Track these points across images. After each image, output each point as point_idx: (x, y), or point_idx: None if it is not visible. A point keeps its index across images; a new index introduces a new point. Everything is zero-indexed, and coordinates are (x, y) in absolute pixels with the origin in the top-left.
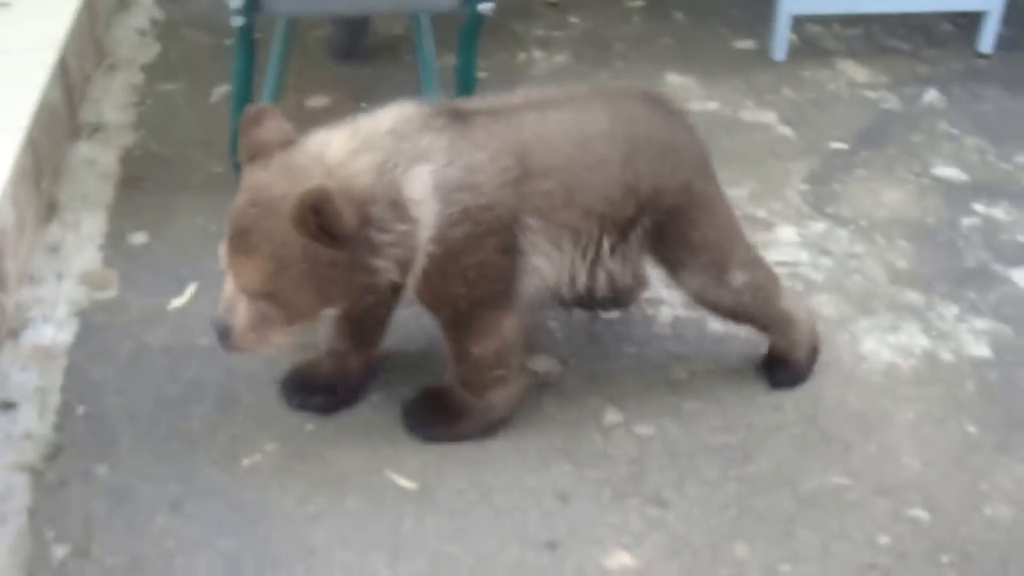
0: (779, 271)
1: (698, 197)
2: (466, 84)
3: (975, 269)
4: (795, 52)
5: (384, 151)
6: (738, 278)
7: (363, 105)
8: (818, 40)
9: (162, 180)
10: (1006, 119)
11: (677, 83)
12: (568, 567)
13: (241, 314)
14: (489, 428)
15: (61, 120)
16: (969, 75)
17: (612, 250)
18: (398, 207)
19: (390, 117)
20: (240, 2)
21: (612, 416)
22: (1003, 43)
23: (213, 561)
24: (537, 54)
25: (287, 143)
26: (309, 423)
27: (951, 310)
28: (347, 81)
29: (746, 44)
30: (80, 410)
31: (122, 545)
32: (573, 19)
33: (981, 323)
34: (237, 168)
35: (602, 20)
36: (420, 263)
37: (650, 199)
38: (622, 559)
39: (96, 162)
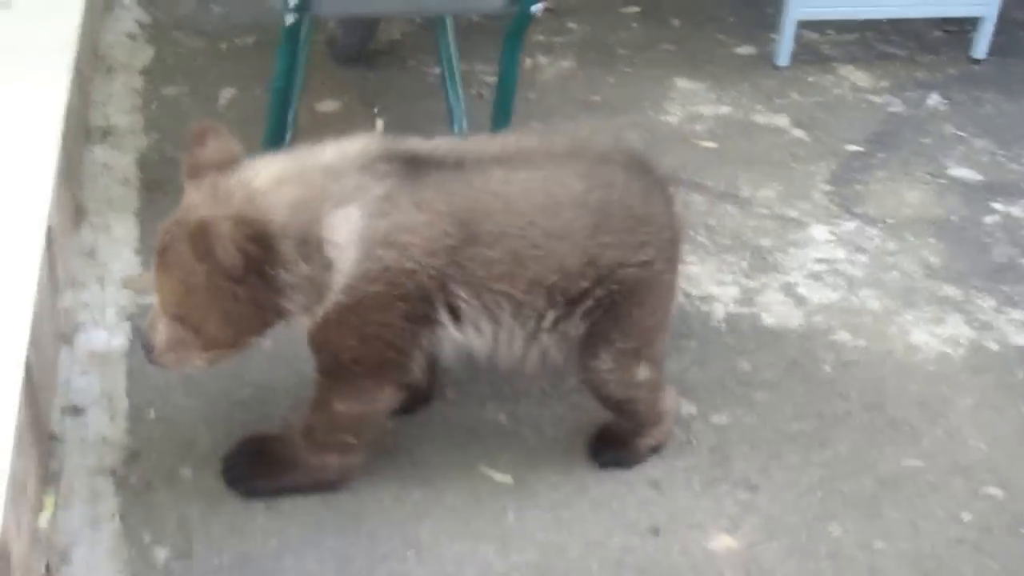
0: (819, 268)
1: (656, 278)
2: (507, 89)
3: (1005, 264)
4: (796, 58)
5: (311, 188)
6: (643, 373)
7: (375, 110)
8: (816, 46)
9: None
10: (1008, 122)
11: (687, 88)
12: (674, 551)
13: (160, 333)
14: (316, 487)
15: (76, 123)
16: (966, 80)
17: (554, 324)
18: (308, 247)
19: (333, 152)
20: (296, 1)
21: (687, 408)
22: (994, 49)
23: (323, 558)
24: (542, 60)
25: (229, 163)
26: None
27: (988, 302)
28: (355, 85)
29: (747, 50)
30: (151, 414)
31: (226, 545)
32: (571, 24)
33: (1019, 314)
34: None
35: (601, 26)
36: (324, 307)
37: (609, 273)
38: (724, 541)
39: (113, 166)
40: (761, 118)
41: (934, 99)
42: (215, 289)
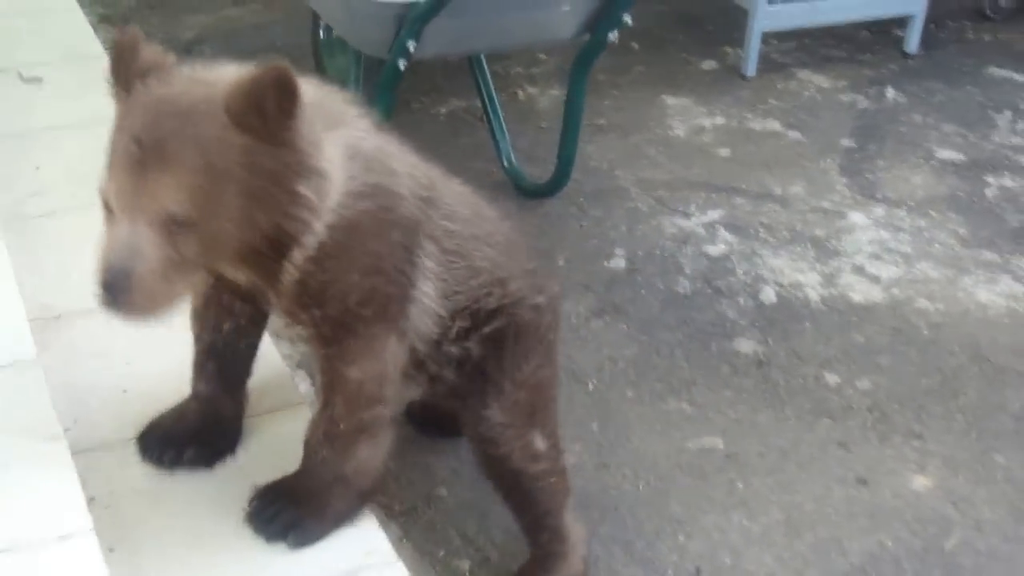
0: (874, 249)
1: (546, 330)
2: (574, 117)
3: (1021, 228)
4: (758, 67)
5: (310, 95)
6: (539, 442)
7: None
8: (768, 55)
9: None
10: (962, 107)
11: (677, 104)
12: (886, 495)
13: (148, 257)
14: (363, 496)
15: None
16: (908, 73)
17: (458, 337)
18: (318, 144)
19: (311, 82)
20: (412, 46)
21: (832, 377)
22: (921, 44)
23: (606, 544)
24: (531, 90)
25: (175, 65)
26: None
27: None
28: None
29: (710, 64)
30: None
31: (517, 549)
32: (542, 56)
33: None
34: None
35: (569, 55)
36: (319, 234)
37: (511, 304)
38: (921, 482)
39: None
40: (755, 124)
41: (891, 93)
42: (249, 167)
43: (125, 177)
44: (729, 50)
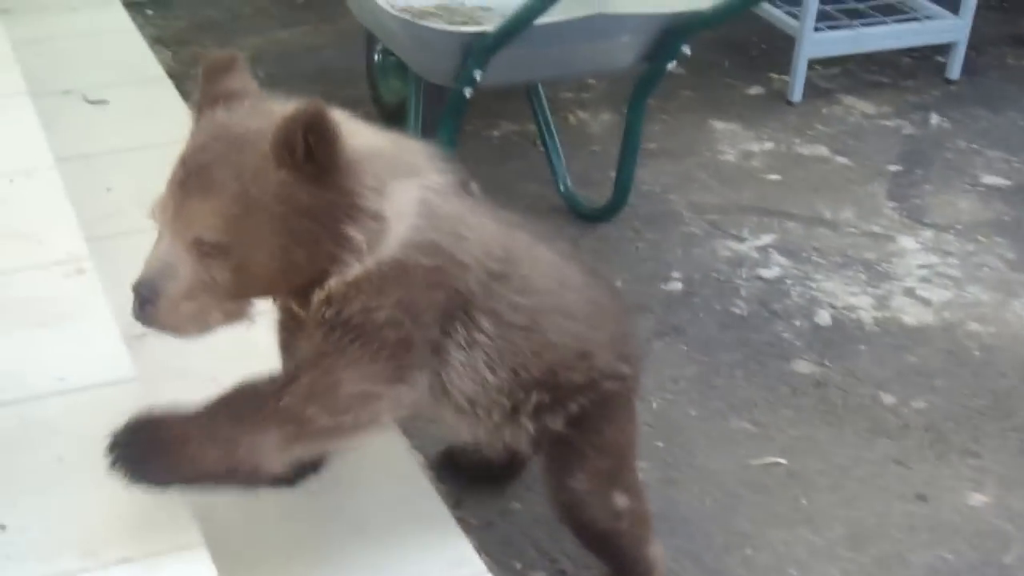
0: (924, 273)
1: (629, 396)
2: (633, 139)
3: None
4: (803, 93)
5: (384, 142)
6: (621, 500)
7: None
8: (813, 81)
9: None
10: (1006, 133)
11: (725, 129)
12: (946, 510)
13: (180, 278)
14: (225, 477)
15: None
16: (951, 99)
17: (536, 411)
18: (382, 190)
19: (391, 133)
20: (478, 76)
21: (888, 398)
22: (963, 70)
23: (676, 556)
24: (582, 115)
25: (257, 94)
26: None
27: None
28: None
29: (756, 90)
30: None
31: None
32: (591, 81)
33: None
34: None
35: (616, 80)
36: (371, 261)
37: (598, 377)
38: (978, 498)
39: None
40: (804, 150)
41: (935, 119)
42: (286, 203)
43: (169, 197)
44: (774, 76)
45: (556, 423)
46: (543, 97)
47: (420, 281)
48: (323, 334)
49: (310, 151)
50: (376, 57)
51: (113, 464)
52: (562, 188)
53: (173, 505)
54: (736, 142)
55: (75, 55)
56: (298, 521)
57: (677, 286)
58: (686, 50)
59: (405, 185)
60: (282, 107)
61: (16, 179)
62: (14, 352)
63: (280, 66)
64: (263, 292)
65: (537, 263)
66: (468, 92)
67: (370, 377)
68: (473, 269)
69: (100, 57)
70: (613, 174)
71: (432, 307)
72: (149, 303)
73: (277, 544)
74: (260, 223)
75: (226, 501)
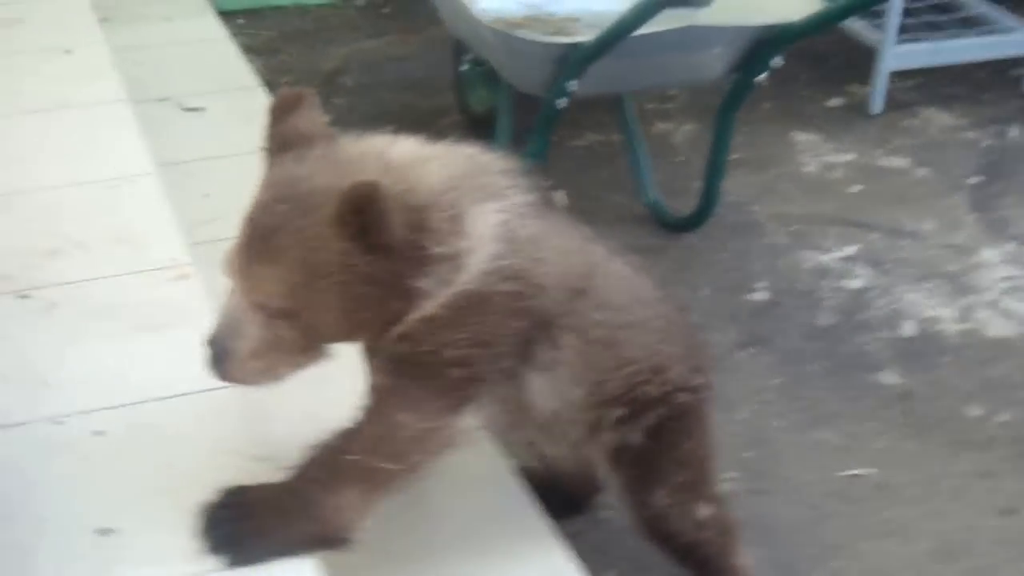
0: (1008, 285)
1: (704, 407)
2: (721, 150)
3: None
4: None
5: (459, 168)
6: (703, 511)
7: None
8: (891, 93)
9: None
10: None
11: (806, 140)
12: None
13: (248, 337)
14: (320, 541)
15: None
16: None
17: (617, 424)
18: (458, 222)
19: (467, 149)
20: (573, 86)
21: (973, 410)
22: None
23: (768, 569)
24: (663, 126)
25: (327, 137)
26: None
27: None
28: None
29: (836, 102)
30: None
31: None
32: (673, 91)
33: None
34: None
35: (697, 92)
36: (445, 296)
37: (672, 391)
38: None
39: None
40: (884, 162)
41: (1015, 131)
42: (349, 271)
43: (236, 257)
44: (854, 88)
45: (635, 437)
46: (631, 107)
47: (499, 309)
48: (389, 369)
49: (358, 229)
50: (464, 67)
51: (214, 551)
52: (648, 198)
53: None
54: (817, 153)
55: (171, 63)
56: (397, 530)
57: (762, 296)
58: (777, 62)
59: (483, 209)
60: (350, 159)
61: (119, 185)
62: (121, 357)
63: (367, 75)
64: (334, 342)
65: (613, 278)
66: (561, 104)
67: (430, 416)
68: (553, 289)
69: (195, 65)
70: (697, 184)
71: (510, 335)
72: (220, 362)
73: (378, 553)
74: (324, 290)
75: None
